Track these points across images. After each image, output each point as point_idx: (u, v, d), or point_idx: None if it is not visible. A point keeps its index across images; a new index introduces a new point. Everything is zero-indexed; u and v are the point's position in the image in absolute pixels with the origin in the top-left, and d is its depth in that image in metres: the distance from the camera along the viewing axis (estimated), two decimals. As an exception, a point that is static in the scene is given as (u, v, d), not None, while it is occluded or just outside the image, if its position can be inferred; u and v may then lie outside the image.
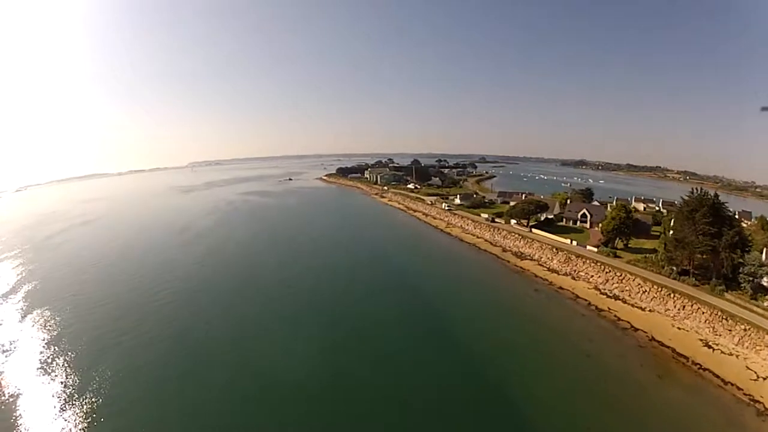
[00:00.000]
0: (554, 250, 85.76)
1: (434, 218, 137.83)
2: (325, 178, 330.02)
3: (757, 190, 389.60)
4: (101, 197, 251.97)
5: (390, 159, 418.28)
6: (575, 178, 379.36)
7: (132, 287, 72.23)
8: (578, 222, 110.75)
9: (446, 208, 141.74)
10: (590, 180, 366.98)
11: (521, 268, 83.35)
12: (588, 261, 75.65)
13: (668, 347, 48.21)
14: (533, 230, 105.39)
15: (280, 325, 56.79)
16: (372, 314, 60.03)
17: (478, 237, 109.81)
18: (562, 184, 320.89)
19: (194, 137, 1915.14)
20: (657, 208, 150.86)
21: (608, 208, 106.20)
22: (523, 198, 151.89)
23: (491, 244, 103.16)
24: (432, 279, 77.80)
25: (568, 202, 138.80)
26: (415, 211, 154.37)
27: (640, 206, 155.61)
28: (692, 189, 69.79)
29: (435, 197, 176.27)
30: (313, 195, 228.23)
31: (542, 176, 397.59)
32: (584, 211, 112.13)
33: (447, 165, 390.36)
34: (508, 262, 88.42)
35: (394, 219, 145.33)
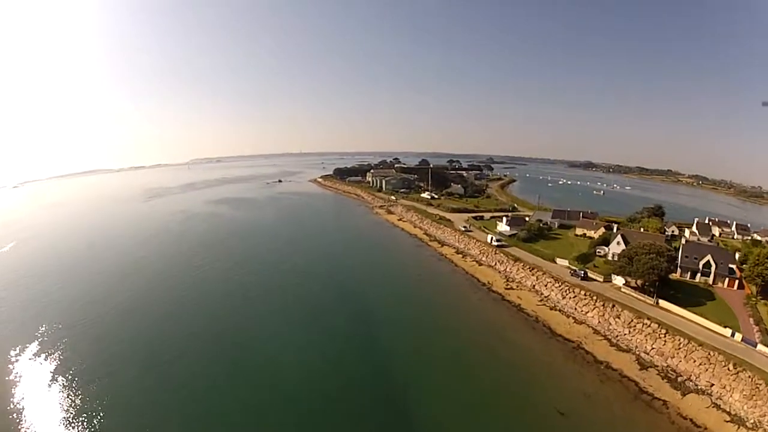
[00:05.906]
0: (730, 368, 40.61)
1: (479, 263, 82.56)
2: (320, 180, 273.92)
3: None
4: (66, 201, 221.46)
5: (396, 158, 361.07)
6: (598, 183, 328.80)
7: None
8: (698, 275, 68.16)
9: (494, 243, 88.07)
10: (616, 186, 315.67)
11: (695, 424, 35.54)
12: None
13: None
14: (660, 302, 57.74)
15: None
16: None
17: (576, 321, 56.71)
18: (594, 192, 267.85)
19: (198, 134, 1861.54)
20: (731, 231, 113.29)
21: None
22: (593, 221, 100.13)
23: (609, 342, 50.35)
24: None
25: (685, 239, 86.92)
26: (441, 243, 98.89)
27: (716, 231, 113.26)
28: None
29: (465, 215, 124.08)
30: (299, 207, 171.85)
31: (565, 181, 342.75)
32: (709, 258, 67.82)
33: (461, 167, 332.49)
34: (664, 404, 38.77)
35: (414, 259, 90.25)
